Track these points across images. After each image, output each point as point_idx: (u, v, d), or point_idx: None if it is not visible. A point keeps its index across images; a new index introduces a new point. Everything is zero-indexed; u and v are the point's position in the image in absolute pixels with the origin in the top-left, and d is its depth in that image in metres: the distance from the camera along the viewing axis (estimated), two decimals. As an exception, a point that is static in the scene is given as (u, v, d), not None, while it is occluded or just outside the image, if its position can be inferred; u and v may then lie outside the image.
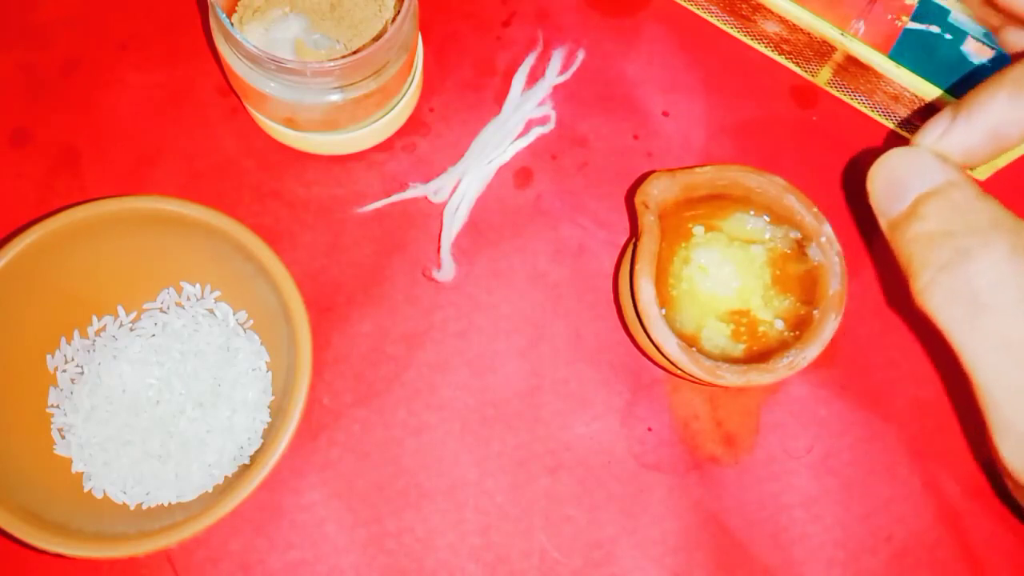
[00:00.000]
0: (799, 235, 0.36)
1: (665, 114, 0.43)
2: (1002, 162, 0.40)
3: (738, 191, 0.36)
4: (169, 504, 0.35)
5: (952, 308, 0.27)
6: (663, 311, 0.34)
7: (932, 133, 0.30)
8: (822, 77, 0.43)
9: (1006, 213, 0.27)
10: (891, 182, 0.29)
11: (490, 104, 0.42)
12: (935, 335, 0.28)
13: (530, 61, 0.43)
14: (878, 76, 0.40)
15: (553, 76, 0.42)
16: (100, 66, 0.42)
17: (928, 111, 0.40)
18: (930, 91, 0.39)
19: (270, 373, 0.37)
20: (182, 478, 0.35)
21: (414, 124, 0.42)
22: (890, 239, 0.29)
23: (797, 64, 0.43)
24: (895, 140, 0.43)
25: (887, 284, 0.41)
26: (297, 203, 0.41)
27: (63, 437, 0.35)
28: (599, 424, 0.38)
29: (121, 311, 0.37)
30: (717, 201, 0.36)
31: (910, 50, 0.39)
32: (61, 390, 0.36)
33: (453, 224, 0.40)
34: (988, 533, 0.38)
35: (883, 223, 0.30)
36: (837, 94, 0.43)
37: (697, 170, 0.36)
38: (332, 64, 0.33)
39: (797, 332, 0.35)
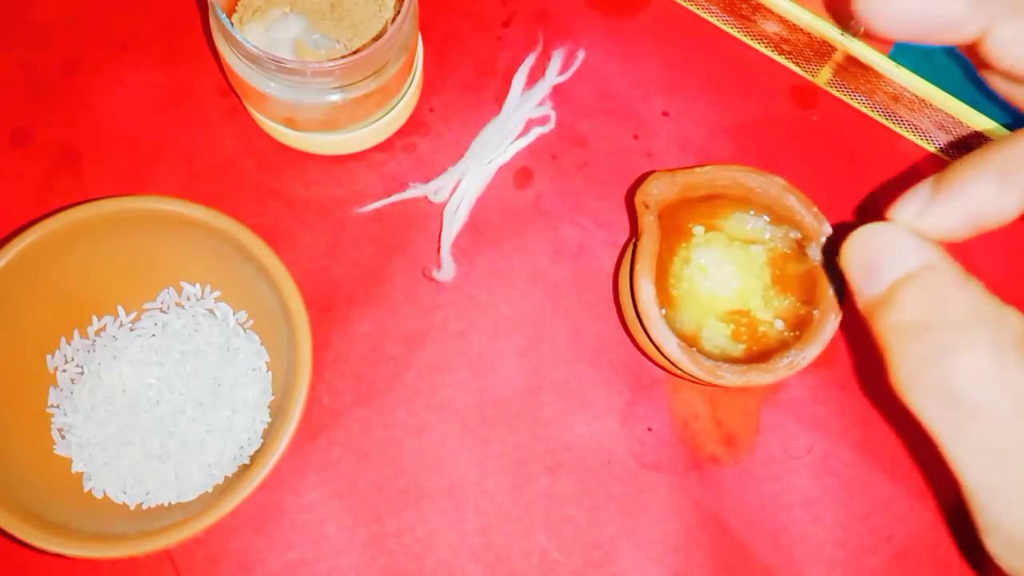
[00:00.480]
0: (799, 235, 0.36)
1: (665, 114, 0.43)
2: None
3: (738, 191, 0.36)
4: (169, 504, 0.35)
5: (933, 406, 0.26)
6: (663, 311, 0.34)
7: (908, 209, 0.28)
8: (822, 77, 0.43)
9: (988, 300, 0.26)
10: (866, 261, 0.28)
11: (490, 104, 0.42)
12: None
13: (530, 61, 0.43)
14: (878, 76, 0.40)
15: (553, 76, 0.42)
16: (100, 66, 0.42)
17: (927, 112, 0.40)
18: (930, 91, 0.39)
19: (270, 373, 0.37)
20: (182, 478, 0.35)
21: (414, 124, 0.42)
22: (868, 322, 0.28)
23: (797, 64, 0.43)
24: (896, 141, 0.43)
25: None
26: (297, 203, 0.41)
27: (63, 437, 0.35)
28: (599, 424, 0.38)
29: (121, 311, 0.37)
30: (717, 201, 0.36)
31: (910, 50, 0.39)
32: (61, 390, 0.36)
33: (453, 224, 0.40)
34: (988, 533, 0.38)
35: (859, 303, 0.28)
36: (837, 94, 0.43)
37: (697, 170, 0.36)
38: (332, 64, 0.33)
39: (797, 332, 0.35)
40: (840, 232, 0.35)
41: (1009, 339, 0.25)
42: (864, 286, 0.27)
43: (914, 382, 0.26)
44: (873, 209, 0.42)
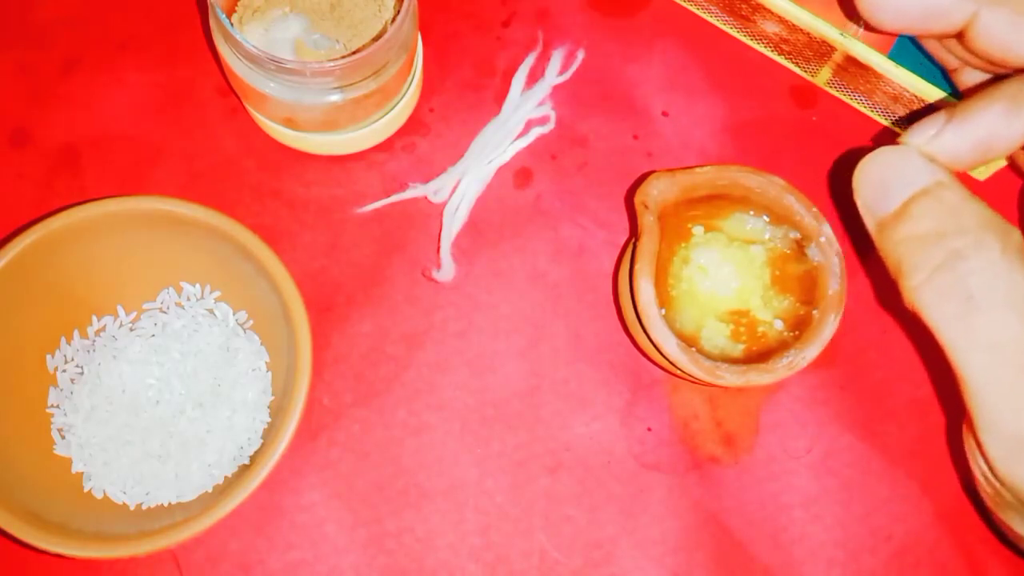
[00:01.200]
0: (799, 235, 0.36)
1: (665, 114, 0.43)
2: (997, 165, 0.40)
3: (738, 191, 0.36)
4: (169, 504, 0.35)
5: (944, 307, 0.27)
6: (663, 311, 0.34)
7: (923, 134, 0.30)
8: (822, 77, 0.43)
9: (994, 214, 0.28)
10: (879, 182, 0.29)
11: (490, 104, 0.42)
12: (928, 334, 0.28)
13: (530, 61, 0.43)
14: (878, 76, 0.40)
15: (553, 76, 0.42)
16: (100, 66, 0.42)
17: (927, 111, 0.40)
18: (930, 91, 0.39)
19: (270, 373, 0.37)
20: (182, 478, 0.35)
21: (414, 124, 0.42)
22: (878, 239, 0.29)
23: (797, 64, 0.43)
24: (892, 139, 0.43)
25: (883, 284, 0.41)
26: (297, 203, 0.41)
27: (63, 437, 0.35)
28: (599, 424, 0.38)
29: (121, 311, 0.37)
30: (717, 201, 0.36)
31: (910, 50, 0.39)
32: (61, 390, 0.36)
33: (453, 224, 0.40)
34: (988, 533, 0.38)
35: (870, 223, 0.30)
36: (837, 94, 0.43)
37: (697, 170, 0.36)
38: (332, 64, 0.33)
39: (797, 332, 0.35)
40: None
41: (1014, 246, 0.27)
42: (876, 204, 0.29)
43: (927, 288, 0.28)
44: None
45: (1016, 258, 0.27)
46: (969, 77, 0.37)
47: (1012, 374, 0.27)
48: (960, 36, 0.32)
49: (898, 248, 0.28)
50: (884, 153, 0.30)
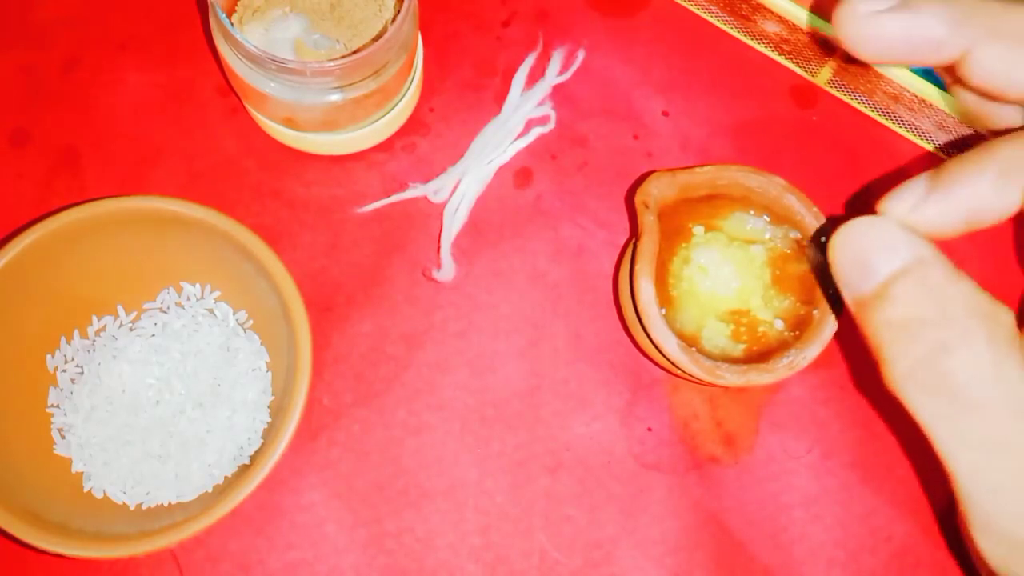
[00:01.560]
0: (799, 235, 0.36)
1: (665, 114, 0.43)
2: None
3: (738, 191, 0.36)
4: (169, 504, 0.35)
5: (930, 403, 0.26)
6: (663, 311, 0.34)
7: (903, 202, 0.28)
8: (822, 77, 0.43)
9: (980, 295, 0.26)
10: (856, 257, 0.27)
11: (490, 104, 0.42)
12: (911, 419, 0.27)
13: (530, 61, 0.43)
14: (878, 76, 0.40)
15: (553, 76, 0.42)
16: (100, 66, 0.42)
17: (927, 112, 0.40)
18: (930, 91, 0.39)
19: (270, 373, 0.37)
20: (182, 478, 0.35)
21: (414, 124, 0.42)
22: (857, 317, 0.27)
23: (797, 64, 0.43)
24: (895, 141, 0.43)
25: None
26: (297, 203, 0.41)
27: (63, 437, 0.35)
28: (599, 424, 0.38)
29: (121, 311, 0.37)
30: (717, 201, 0.36)
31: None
32: (61, 390, 0.36)
33: (453, 224, 0.40)
34: (988, 533, 0.38)
35: (849, 299, 0.28)
36: (837, 94, 0.43)
37: (697, 170, 0.36)
38: (332, 64, 0.33)
39: (797, 332, 0.35)
40: (831, 226, 0.35)
41: (1003, 335, 0.25)
42: (855, 283, 0.27)
43: (911, 379, 0.26)
44: (871, 210, 0.42)
45: (1004, 348, 0.25)
46: (963, 94, 0.35)
47: (1006, 477, 0.25)
48: (953, 68, 0.30)
49: (878, 332, 0.26)
50: (860, 225, 0.27)
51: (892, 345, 0.26)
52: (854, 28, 0.30)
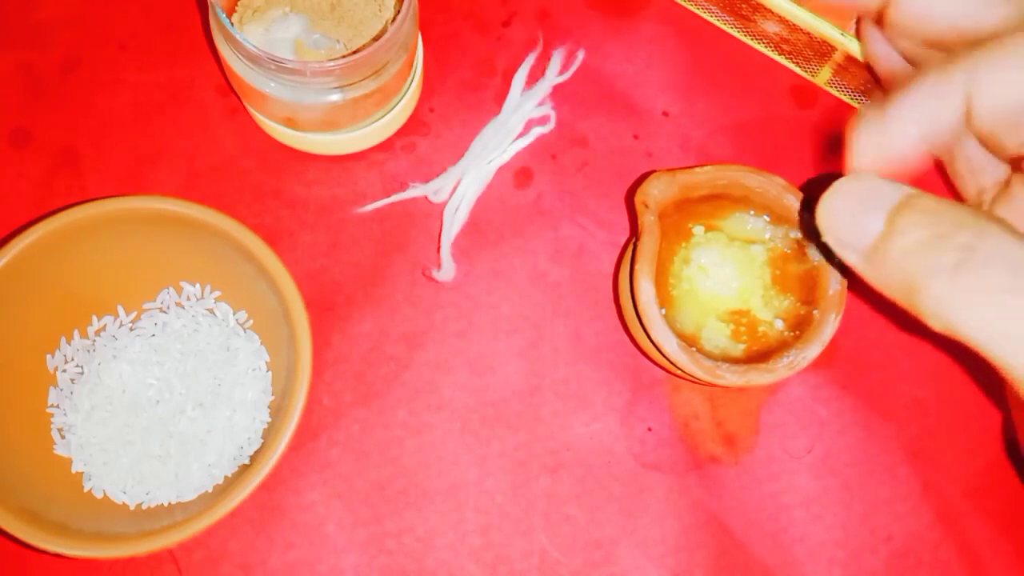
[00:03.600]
0: (799, 235, 0.36)
1: (665, 114, 0.43)
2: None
3: (738, 191, 0.36)
4: (169, 504, 0.35)
5: (979, 306, 0.25)
6: (663, 311, 0.34)
7: (867, 146, 0.30)
8: (822, 77, 0.43)
9: (969, 207, 0.27)
10: (849, 215, 0.28)
11: (490, 104, 0.42)
12: (944, 340, 0.27)
13: (530, 61, 0.43)
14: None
15: (553, 76, 0.42)
16: (100, 66, 0.42)
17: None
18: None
19: (270, 373, 0.37)
20: (182, 478, 0.35)
21: (414, 124, 0.42)
22: (869, 270, 0.27)
23: (797, 64, 0.43)
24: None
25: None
26: (297, 203, 0.41)
27: (63, 437, 0.35)
28: (599, 424, 0.38)
29: (121, 311, 0.37)
30: (717, 201, 0.36)
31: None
32: (61, 390, 0.36)
33: (453, 224, 0.40)
34: (988, 533, 0.38)
35: (854, 258, 0.28)
36: (837, 94, 0.43)
37: (697, 170, 0.36)
38: (332, 64, 0.33)
39: (797, 332, 0.35)
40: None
41: (1007, 227, 0.26)
42: (855, 237, 0.28)
43: (956, 293, 0.26)
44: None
45: (1015, 235, 0.26)
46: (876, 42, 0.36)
47: None
48: (881, 16, 0.32)
49: (901, 265, 0.27)
50: (843, 185, 0.28)
51: (920, 270, 0.26)
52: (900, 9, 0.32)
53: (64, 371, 0.36)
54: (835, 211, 0.28)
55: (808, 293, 0.35)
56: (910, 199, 0.27)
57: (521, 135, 0.42)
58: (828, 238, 0.28)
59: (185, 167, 0.41)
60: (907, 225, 0.27)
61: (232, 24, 0.33)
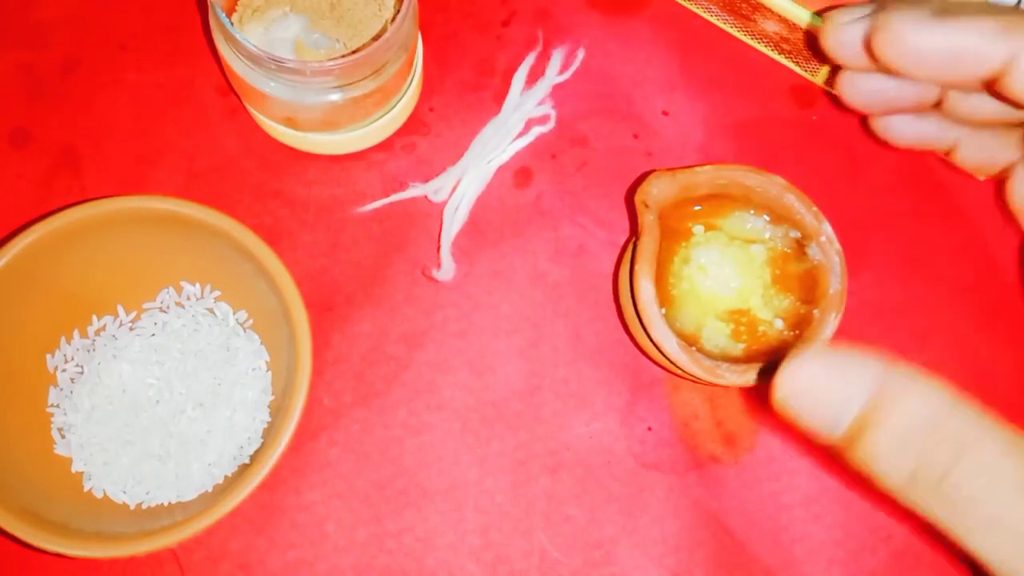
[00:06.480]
0: (799, 234, 0.36)
1: (665, 114, 0.43)
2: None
3: (738, 190, 0.36)
4: (169, 504, 0.35)
5: (952, 510, 0.24)
6: (663, 310, 0.34)
7: (907, 19, 0.28)
8: (822, 77, 0.43)
9: (956, 396, 0.25)
10: (816, 401, 0.25)
11: (490, 104, 0.42)
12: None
13: (530, 61, 0.43)
14: (878, 76, 0.40)
15: (553, 76, 0.42)
16: (100, 66, 0.42)
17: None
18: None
19: (270, 373, 0.37)
20: (182, 478, 0.35)
21: (414, 124, 0.42)
22: (847, 455, 0.26)
23: (797, 64, 0.43)
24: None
25: (887, 282, 0.41)
26: (297, 203, 0.41)
27: (63, 437, 0.35)
28: (599, 424, 0.38)
29: (121, 311, 0.37)
30: (717, 200, 0.36)
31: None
32: (61, 390, 0.36)
33: (453, 224, 0.40)
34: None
35: (827, 442, 0.26)
36: (837, 93, 0.43)
37: (697, 169, 0.36)
38: (332, 63, 0.33)
39: (797, 331, 0.35)
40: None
41: (1002, 430, 0.24)
42: (826, 425, 0.25)
43: (930, 496, 0.25)
44: (870, 209, 0.42)
45: (1013, 440, 0.24)
46: (970, 152, 0.34)
47: None
48: (991, 84, 0.29)
49: (875, 459, 0.25)
50: (803, 367, 0.25)
51: (896, 468, 0.25)
52: (893, 45, 0.29)
53: (64, 371, 0.36)
54: (797, 397, 0.25)
55: (808, 292, 0.35)
56: (886, 386, 0.25)
57: (521, 135, 0.42)
58: (793, 419, 0.26)
59: (185, 167, 0.41)
60: (882, 425, 0.24)
61: (232, 24, 0.33)
